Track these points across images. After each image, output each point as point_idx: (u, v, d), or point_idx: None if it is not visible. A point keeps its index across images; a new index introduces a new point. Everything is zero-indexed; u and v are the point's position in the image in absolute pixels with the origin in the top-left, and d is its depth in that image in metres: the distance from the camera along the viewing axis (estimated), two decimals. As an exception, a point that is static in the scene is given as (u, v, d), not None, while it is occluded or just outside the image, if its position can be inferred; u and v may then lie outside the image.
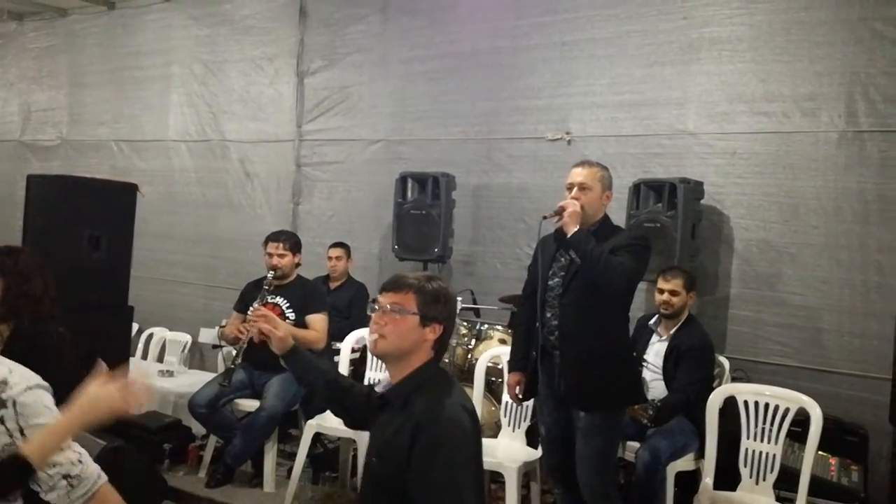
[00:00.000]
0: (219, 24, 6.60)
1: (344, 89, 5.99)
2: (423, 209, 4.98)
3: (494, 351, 3.90)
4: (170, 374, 5.24)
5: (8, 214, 7.12)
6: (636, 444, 3.49)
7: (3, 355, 2.48)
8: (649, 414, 3.21)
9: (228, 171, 6.54)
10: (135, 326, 5.28)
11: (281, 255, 4.25)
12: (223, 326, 4.57)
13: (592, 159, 3.25)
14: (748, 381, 3.93)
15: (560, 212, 2.95)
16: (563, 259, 3.05)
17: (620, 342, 3.03)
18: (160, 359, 5.97)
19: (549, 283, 3.06)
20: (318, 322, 4.18)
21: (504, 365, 3.82)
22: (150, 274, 6.34)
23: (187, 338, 5.99)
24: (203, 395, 4.07)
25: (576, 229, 2.89)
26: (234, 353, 4.08)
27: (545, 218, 3.02)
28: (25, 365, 2.08)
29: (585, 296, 2.92)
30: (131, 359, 5.13)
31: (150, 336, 6.11)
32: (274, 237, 4.33)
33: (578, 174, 3.04)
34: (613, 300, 2.94)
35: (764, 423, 3.08)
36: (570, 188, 3.03)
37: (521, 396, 3.19)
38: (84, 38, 7.42)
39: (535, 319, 3.04)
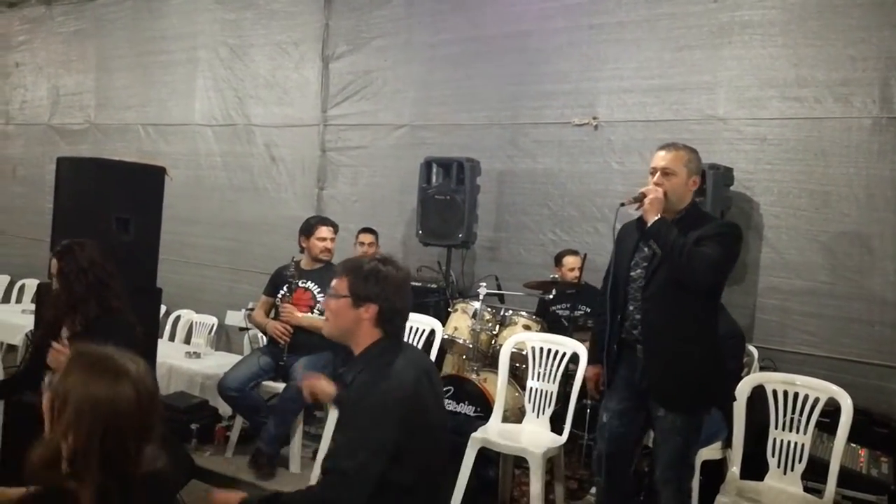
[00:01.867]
0: (244, 8, 6.60)
1: (368, 74, 5.98)
2: (447, 194, 4.96)
3: (518, 337, 3.90)
4: (197, 355, 5.30)
5: (38, 197, 7.23)
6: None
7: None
8: None
9: (254, 155, 6.56)
10: (162, 308, 5.35)
11: (332, 240, 4.44)
12: (250, 309, 4.62)
13: (679, 141, 2.96)
14: (776, 370, 3.89)
15: (640, 198, 2.77)
16: (645, 249, 2.86)
17: (708, 339, 2.78)
18: (187, 340, 6.05)
19: (631, 273, 2.88)
20: None
21: (528, 351, 3.81)
22: (176, 257, 6.40)
23: (213, 320, 6.06)
24: (233, 377, 4.12)
25: (656, 218, 2.71)
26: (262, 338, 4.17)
27: (623, 205, 2.86)
28: None
29: (670, 289, 2.73)
30: (159, 340, 5.21)
31: (178, 318, 6.19)
32: (326, 222, 4.49)
33: (662, 158, 2.81)
34: (699, 294, 2.72)
35: (793, 412, 3.04)
36: (652, 173, 2.82)
37: (601, 389, 3.04)
38: (112, 22, 7.46)
39: (617, 311, 2.88)
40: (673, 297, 2.73)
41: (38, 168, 7.70)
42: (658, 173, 2.80)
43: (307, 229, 4.44)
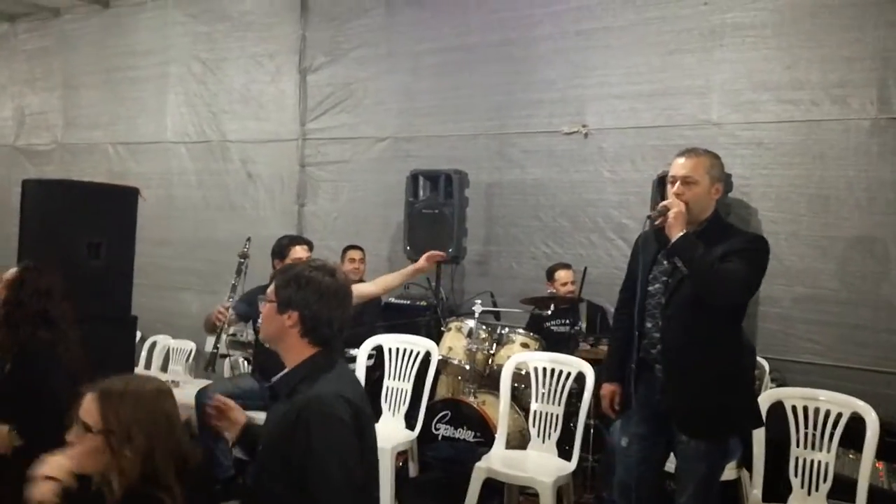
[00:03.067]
0: (217, 20, 6.39)
1: (348, 86, 5.80)
2: (435, 208, 4.80)
3: (519, 357, 3.71)
4: (175, 384, 5.03)
5: (3, 222, 6.91)
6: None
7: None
8: None
9: (230, 172, 6.34)
10: (137, 335, 5.10)
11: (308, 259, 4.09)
12: (232, 335, 4.39)
13: (700, 147, 2.74)
14: (784, 382, 3.75)
15: (663, 212, 2.55)
16: (665, 263, 2.65)
17: (733, 360, 2.60)
18: (164, 368, 5.78)
19: (650, 288, 2.67)
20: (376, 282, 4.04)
21: (529, 370, 3.63)
22: (149, 280, 6.11)
23: (191, 345, 5.80)
24: (217, 388, 3.88)
25: (681, 234, 2.50)
26: (215, 343, 3.94)
27: (650, 218, 2.61)
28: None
29: (693, 308, 2.54)
30: (135, 369, 4.95)
31: (154, 345, 5.91)
32: (298, 241, 4.16)
33: (681, 166, 2.60)
34: (723, 312, 2.54)
35: (814, 429, 2.89)
36: (672, 182, 2.61)
37: (617, 409, 2.84)
38: (78, 38, 7.21)
39: (634, 328, 2.68)
40: (695, 316, 2.54)
41: (2, 192, 7.38)
42: (678, 182, 2.59)
43: (280, 251, 4.14)
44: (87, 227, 3.73)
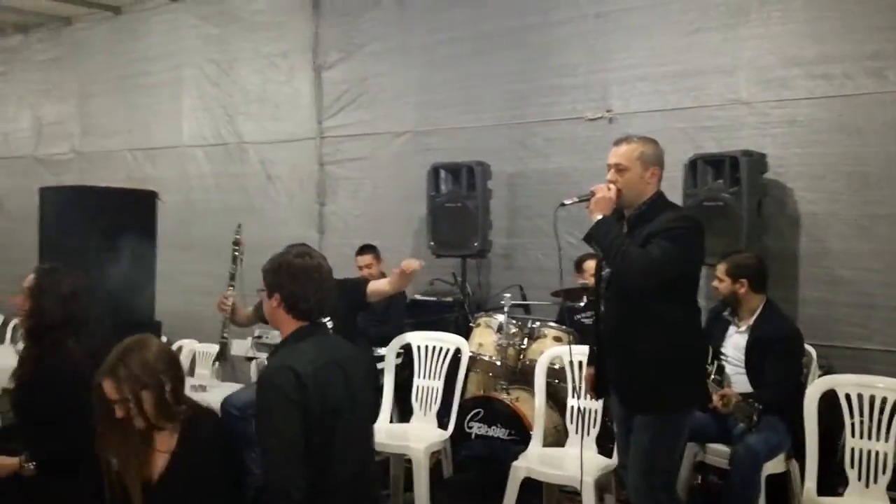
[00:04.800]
0: (229, 21, 6.33)
1: (364, 81, 5.70)
2: (458, 201, 4.69)
3: (554, 351, 3.60)
4: (202, 388, 4.98)
5: (25, 232, 6.89)
6: (718, 447, 3.18)
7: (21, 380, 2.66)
8: (753, 418, 2.87)
9: (248, 174, 6.27)
10: (164, 339, 5.05)
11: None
12: (258, 337, 4.32)
13: (634, 135, 2.88)
14: (831, 369, 3.60)
15: (588, 197, 2.71)
16: None
17: (673, 338, 2.63)
18: (191, 372, 5.73)
19: (603, 273, 2.83)
20: (375, 283, 3.90)
21: (565, 365, 3.52)
22: (175, 285, 6.09)
23: (217, 349, 5.74)
24: (240, 397, 3.81)
25: (599, 218, 2.64)
26: (222, 332, 3.90)
27: (563, 205, 2.78)
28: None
29: (623, 290, 2.67)
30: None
31: (180, 349, 5.86)
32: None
33: (614, 154, 2.75)
34: (657, 294, 2.58)
35: (870, 418, 2.75)
36: (608, 169, 2.76)
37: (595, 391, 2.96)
38: (90, 46, 7.19)
39: (595, 312, 2.87)
40: (625, 297, 2.67)
41: (23, 202, 7.37)
42: (612, 170, 2.73)
43: None
44: (106, 232, 3.70)
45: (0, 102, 7.96)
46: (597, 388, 2.92)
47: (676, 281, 2.63)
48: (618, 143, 2.79)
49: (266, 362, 2.33)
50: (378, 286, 3.80)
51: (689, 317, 2.72)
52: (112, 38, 7.04)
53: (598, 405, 3.36)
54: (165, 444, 2.22)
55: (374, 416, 2.49)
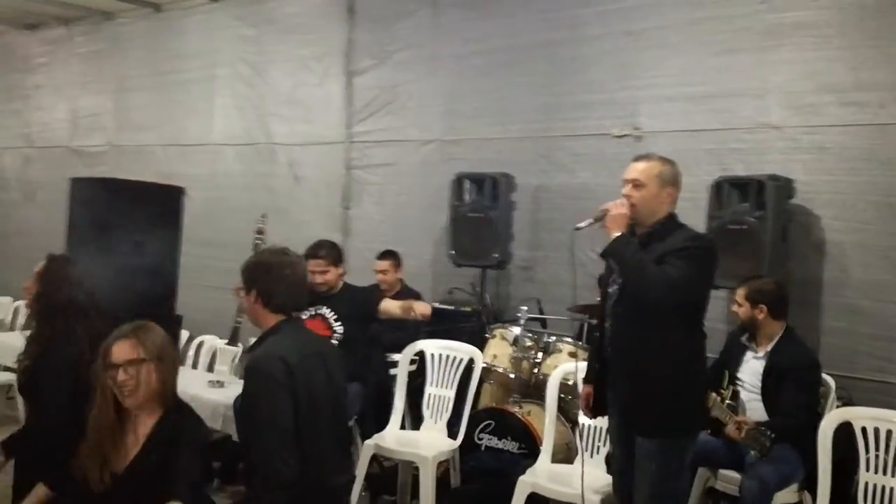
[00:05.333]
0: (264, 23, 6.42)
1: (394, 88, 5.75)
2: (481, 212, 4.70)
3: (568, 366, 3.59)
4: (220, 384, 5.02)
5: (57, 221, 7.04)
6: (729, 473, 3.15)
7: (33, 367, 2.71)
8: (766, 447, 2.83)
9: (276, 175, 6.35)
10: (185, 334, 5.11)
11: (323, 272, 3.94)
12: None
13: (655, 153, 2.87)
14: (850, 400, 3.54)
15: (601, 217, 2.68)
16: None
17: (681, 362, 2.62)
18: (210, 368, 5.79)
19: (609, 290, 2.78)
20: (389, 302, 3.96)
21: (576, 381, 3.50)
22: (198, 281, 6.17)
23: (237, 346, 5.80)
24: None
25: (616, 234, 2.61)
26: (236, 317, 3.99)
27: (578, 229, 2.76)
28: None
29: (634, 308, 2.62)
30: (181, 368, 4.96)
31: (201, 344, 5.94)
32: (312, 253, 3.97)
33: (633, 169, 2.74)
34: (668, 314, 2.57)
35: (886, 452, 2.70)
36: (624, 184, 2.74)
37: (591, 410, 2.94)
38: (130, 41, 7.33)
39: (599, 330, 2.84)
40: (636, 317, 2.62)
41: (57, 191, 7.50)
42: (629, 185, 2.70)
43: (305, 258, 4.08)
44: (132, 224, 3.75)
45: (39, 93, 8.14)
46: (593, 408, 2.90)
47: (693, 303, 2.62)
48: (637, 159, 2.79)
49: (252, 354, 2.45)
50: (390, 307, 3.88)
51: (697, 340, 2.71)
52: (150, 34, 7.17)
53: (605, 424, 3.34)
54: (143, 428, 2.28)
55: (346, 406, 2.67)
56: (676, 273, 2.51)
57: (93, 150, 7.58)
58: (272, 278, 2.40)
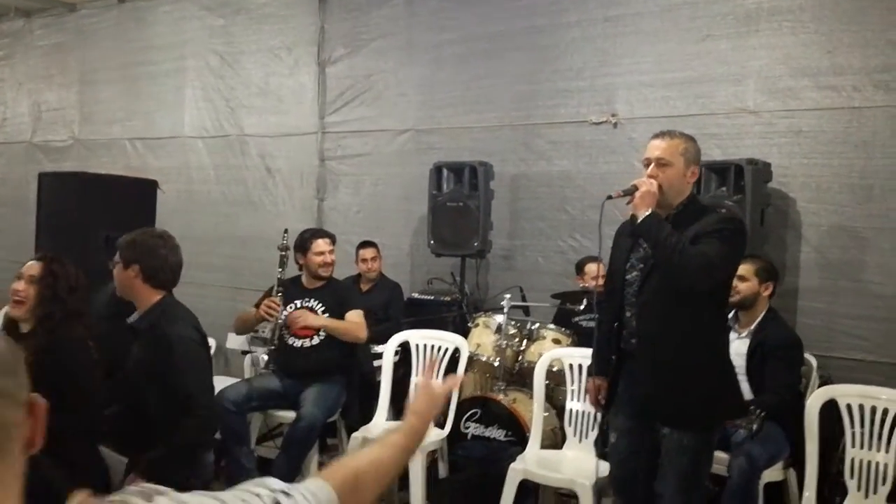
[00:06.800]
0: (234, 13, 6.28)
1: (368, 77, 5.67)
2: (460, 201, 4.66)
3: (554, 353, 3.57)
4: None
5: (21, 219, 6.84)
6: (717, 453, 3.15)
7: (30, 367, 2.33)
8: (752, 429, 2.84)
9: (248, 167, 6.23)
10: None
11: (331, 252, 4.03)
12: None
13: (675, 129, 2.70)
14: (829, 379, 3.59)
15: (632, 191, 2.52)
16: (642, 249, 2.60)
17: (713, 348, 2.55)
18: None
19: (627, 277, 2.64)
20: (356, 315, 3.91)
21: (563, 367, 3.49)
22: (170, 277, 6.04)
23: (212, 343, 5.68)
24: (236, 391, 3.77)
25: (647, 213, 2.46)
26: (266, 333, 3.89)
27: (610, 197, 2.59)
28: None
29: (666, 293, 2.49)
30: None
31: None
32: (321, 234, 4.07)
33: (656, 147, 2.56)
34: (701, 298, 2.48)
35: (871, 428, 2.74)
36: (646, 164, 2.58)
37: (602, 403, 2.80)
38: (94, 33, 7.12)
39: (614, 319, 2.66)
40: (669, 302, 2.49)
41: (20, 188, 7.32)
42: (652, 164, 2.55)
43: (302, 245, 4.04)
44: (104, 219, 3.65)
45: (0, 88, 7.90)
46: (608, 399, 2.75)
47: (724, 284, 2.55)
48: (660, 136, 2.61)
49: (167, 325, 2.72)
50: (350, 328, 3.88)
51: (724, 323, 2.64)
52: (116, 25, 6.98)
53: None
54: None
55: None
56: (714, 253, 2.41)
57: (56, 144, 7.37)
58: (157, 257, 2.71)
